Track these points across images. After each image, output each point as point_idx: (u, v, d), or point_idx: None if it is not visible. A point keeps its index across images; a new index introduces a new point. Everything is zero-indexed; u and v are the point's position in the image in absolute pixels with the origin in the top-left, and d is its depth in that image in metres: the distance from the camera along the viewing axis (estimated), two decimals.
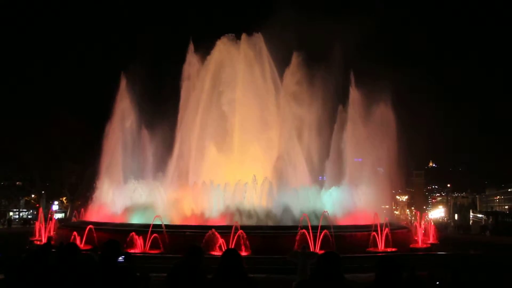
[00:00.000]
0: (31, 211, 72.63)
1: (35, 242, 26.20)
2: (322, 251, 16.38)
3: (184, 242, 19.55)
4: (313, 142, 35.28)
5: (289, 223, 25.39)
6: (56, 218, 38.50)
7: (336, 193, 31.82)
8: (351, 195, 31.46)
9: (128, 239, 21.28)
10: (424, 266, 12.57)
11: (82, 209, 33.99)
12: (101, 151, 34.62)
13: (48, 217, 29.29)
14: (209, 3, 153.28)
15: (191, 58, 36.73)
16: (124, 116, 35.51)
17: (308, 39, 36.40)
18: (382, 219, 24.51)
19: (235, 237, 20.98)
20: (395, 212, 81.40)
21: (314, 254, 15.20)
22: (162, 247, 21.43)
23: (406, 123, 38.54)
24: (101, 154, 34.59)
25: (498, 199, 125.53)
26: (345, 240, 22.42)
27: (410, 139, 40.52)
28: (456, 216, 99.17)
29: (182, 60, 36.64)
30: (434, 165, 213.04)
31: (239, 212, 27.00)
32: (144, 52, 58.63)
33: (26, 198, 71.04)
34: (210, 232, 21.09)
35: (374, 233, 23.30)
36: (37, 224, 29.49)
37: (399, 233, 26.09)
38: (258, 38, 35.76)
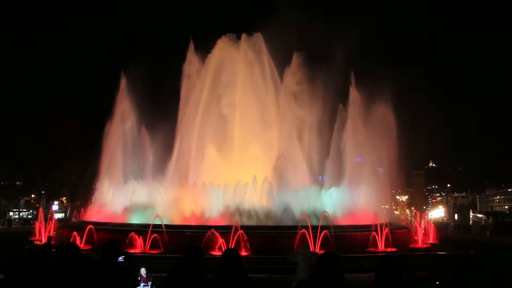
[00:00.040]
0: (31, 211, 72.64)
1: (35, 242, 26.19)
2: (322, 251, 16.37)
3: (184, 242, 19.51)
4: (313, 142, 35.27)
5: (289, 223, 25.38)
6: (56, 218, 38.51)
7: (336, 193, 31.83)
8: (351, 195, 31.47)
9: (128, 239, 21.28)
10: (424, 266, 12.57)
11: (82, 209, 33.98)
12: (101, 151, 34.63)
13: (48, 217, 29.30)
14: (209, 3, 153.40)
15: (192, 57, 36.73)
16: (124, 116, 35.51)
17: (308, 39, 36.48)
18: (382, 219, 24.51)
19: (235, 237, 20.97)
20: (395, 212, 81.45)
21: (314, 254, 15.20)
22: (162, 247, 21.42)
23: (406, 123, 38.58)
24: (101, 154, 34.61)
25: (498, 199, 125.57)
26: (345, 240, 22.41)
27: (410, 139, 40.58)
28: (456, 216, 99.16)
29: (182, 60, 36.71)
30: (434, 165, 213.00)
31: (239, 212, 26.99)
32: (144, 52, 58.73)
33: (26, 198, 71.05)
34: (210, 232, 21.09)
35: (374, 233, 23.30)
36: (37, 224, 29.50)
37: (399, 233, 26.09)
38: (258, 38, 35.76)
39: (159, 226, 22.53)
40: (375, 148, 34.46)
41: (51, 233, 27.99)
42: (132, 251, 19.84)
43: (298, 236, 21.28)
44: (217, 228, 21.95)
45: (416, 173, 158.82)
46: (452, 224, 74.43)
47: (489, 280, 13.82)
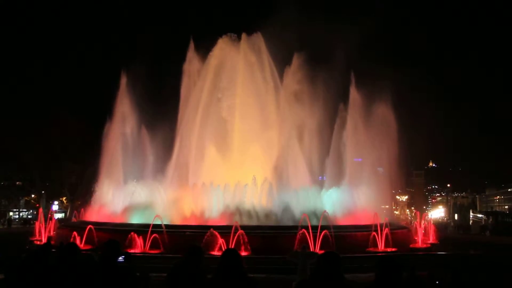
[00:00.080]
0: (31, 211, 72.68)
1: (35, 242, 26.18)
2: (322, 251, 16.37)
3: (184, 242, 19.51)
4: (313, 142, 35.26)
5: (289, 223, 25.38)
6: (56, 218, 38.50)
7: (336, 193, 31.82)
8: (351, 196, 31.47)
9: (128, 239, 21.27)
10: (424, 266, 12.56)
11: (82, 209, 33.99)
12: (101, 151, 34.64)
13: (48, 217, 29.30)
14: (209, 3, 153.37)
15: (192, 57, 36.74)
16: (124, 116, 35.52)
17: (308, 39, 36.48)
18: (382, 219, 24.51)
19: (235, 237, 20.97)
20: (395, 212, 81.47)
21: (314, 254, 15.21)
22: (162, 247, 21.42)
23: (406, 123, 38.60)
24: (101, 154, 34.62)
25: (498, 199, 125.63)
26: (345, 240, 22.40)
27: (410, 139, 40.57)
28: (456, 216, 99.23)
29: (182, 59, 36.71)
30: (434, 165, 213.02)
31: (239, 212, 26.99)
32: (144, 52, 58.70)
33: (26, 198, 71.09)
34: (210, 232, 21.09)
35: (374, 233, 23.30)
36: (37, 224, 29.48)
37: (399, 233, 26.09)
38: (258, 38, 35.75)
39: (159, 226, 22.53)
40: (375, 148, 34.48)
41: (51, 233, 27.98)
42: (132, 251, 19.85)
43: (298, 236, 21.29)
44: (217, 228, 21.95)
45: (416, 173, 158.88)
46: (452, 224, 74.44)
47: (489, 280, 13.82)
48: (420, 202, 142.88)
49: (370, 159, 34.85)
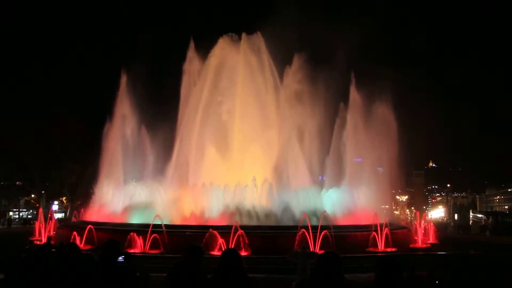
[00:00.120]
0: (31, 211, 72.71)
1: (35, 242, 26.18)
2: (322, 251, 16.37)
3: (184, 242, 19.51)
4: (313, 142, 35.25)
5: (289, 223, 25.38)
6: (56, 218, 38.50)
7: (336, 194, 31.81)
8: (351, 196, 31.47)
9: (128, 239, 21.27)
10: (424, 266, 12.56)
11: (82, 209, 33.99)
12: (101, 151, 34.65)
13: (48, 217, 29.28)
14: (209, 3, 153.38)
15: (192, 57, 36.74)
16: (124, 116, 35.51)
17: (308, 39, 36.46)
18: (382, 219, 24.51)
19: (235, 237, 20.97)
20: (395, 212, 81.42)
21: (314, 254, 15.21)
22: (162, 247, 21.41)
23: (406, 123, 38.59)
24: (101, 154, 34.62)
25: (498, 199, 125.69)
26: (345, 240, 22.39)
27: (410, 139, 40.56)
28: (456, 216, 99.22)
29: (182, 59, 36.69)
30: (434, 165, 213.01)
31: (239, 212, 26.98)
32: (144, 52, 58.70)
33: (26, 198, 71.11)
34: (210, 232, 21.09)
35: (374, 233, 23.30)
36: (37, 224, 29.48)
37: (399, 233, 26.09)
38: (258, 38, 35.76)
39: (159, 226, 22.53)
40: (375, 148, 34.48)
41: (51, 233, 27.96)
42: (132, 251, 19.86)
43: (298, 236, 21.28)
44: (217, 228, 21.96)
45: (416, 173, 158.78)
46: (452, 224, 74.44)
47: (489, 280, 13.82)
48: (420, 202, 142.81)
49: (370, 159, 34.84)
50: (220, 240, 20.64)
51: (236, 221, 23.03)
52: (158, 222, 22.71)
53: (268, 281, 14.40)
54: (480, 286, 12.24)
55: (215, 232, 21.08)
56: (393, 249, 22.98)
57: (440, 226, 48.83)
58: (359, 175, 33.65)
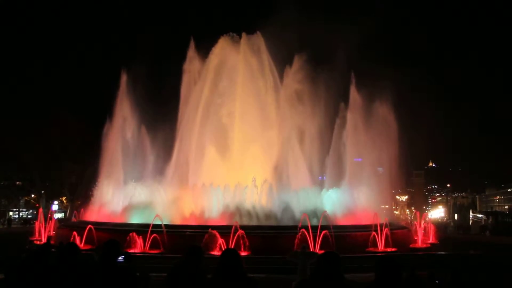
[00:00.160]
0: (31, 211, 72.71)
1: (35, 242, 26.18)
2: (322, 251, 16.37)
3: (184, 242, 19.52)
4: (313, 142, 35.27)
5: (289, 223, 25.37)
6: (56, 218, 38.52)
7: (336, 194, 31.80)
8: (351, 196, 31.47)
9: (128, 239, 21.26)
10: (424, 266, 12.57)
11: (82, 209, 33.98)
12: (101, 151, 34.64)
13: (48, 217, 29.28)
14: (209, 3, 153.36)
15: (192, 56, 36.73)
16: (124, 116, 35.51)
17: (308, 39, 36.46)
18: (382, 219, 24.51)
19: (235, 237, 20.97)
20: (395, 212, 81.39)
21: (314, 254, 15.21)
22: (162, 247, 21.41)
23: (406, 123, 38.60)
24: (101, 154, 34.62)
25: (498, 199, 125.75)
26: (345, 240, 22.39)
27: (410, 139, 40.57)
28: (456, 216, 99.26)
29: (182, 59, 36.69)
30: (434, 165, 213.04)
31: (239, 212, 26.98)
32: (144, 52, 58.72)
33: (26, 198, 71.11)
34: (210, 232, 21.09)
35: (374, 233, 23.29)
36: (37, 224, 29.48)
37: (399, 233, 26.08)
38: (258, 38, 35.75)
39: (159, 226, 22.52)
40: (375, 148, 34.48)
41: (51, 233, 27.97)
42: (132, 251, 19.86)
43: (298, 236, 21.28)
44: (217, 228, 21.95)
45: (416, 173, 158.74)
46: (452, 224, 74.43)
47: (489, 280, 13.82)
48: (420, 202, 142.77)
49: (370, 159, 34.84)
50: (220, 240, 20.64)
51: (236, 221, 23.05)
52: (158, 222, 22.70)
53: (268, 281, 14.38)
54: (480, 286, 12.25)
55: (215, 232, 21.07)
56: (393, 249, 22.97)
57: (440, 226, 48.81)
58: (359, 175, 33.64)
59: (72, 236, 22.77)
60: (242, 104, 34.01)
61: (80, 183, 53.04)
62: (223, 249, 16.67)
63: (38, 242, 25.40)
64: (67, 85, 76.29)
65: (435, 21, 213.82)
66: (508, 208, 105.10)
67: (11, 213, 70.23)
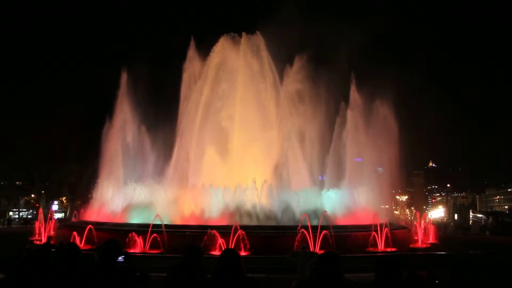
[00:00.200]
0: (31, 210, 72.74)
1: (35, 242, 26.17)
2: (322, 251, 16.36)
3: (184, 242, 19.52)
4: (313, 142, 35.28)
5: (289, 223, 25.37)
6: (56, 218, 38.51)
7: (336, 195, 31.79)
8: (351, 196, 31.47)
9: (128, 239, 21.26)
10: (424, 266, 12.56)
11: (82, 209, 33.98)
12: (101, 151, 34.65)
13: (48, 217, 29.28)
14: (209, 3, 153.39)
15: (192, 56, 36.73)
16: (124, 116, 35.52)
17: (309, 39, 36.48)
18: (382, 219, 24.51)
19: (235, 237, 20.97)
20: (395, 212, 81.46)
21: (313, 254, 15.21)
22: (162, 247, 21.41)
23: (406, 123, 38.64)
24: (101, 154, 34.62)
25: (498, 199, 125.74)
26: (345, 240, 22.40)
27: (410, 139, 40.61)
28: (456, 216, 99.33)
29: (182, 59, 36.71)
30: (434, 165, 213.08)
31: (239, 212, 26.97)
32: (144, 52, 58.77)
33: (26, 198, 71.14)
34: (209, 232, 21.09)
35: (374, 233, 23.28)
36: (37, 224, 29.48)
37: (399, 233, 26.09)
38: (258, 38, 35.77)
39: (159, 226, 22.51)
40: (375, 148, 34.49)
41: (51, 233, 27.95)
42: (132, 251, 19.87)
43: (298, 236, 21.28)
44: (217, 228, 21.95)
45: (416, 173, 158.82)
46: (452, 224, 74.43)
47: (489, 280, 13.82)
48: (420, 202, 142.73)
49: (370, 159, 34.86)
50: (220, 240, 20.64)
51: (236, 221, 23.04)
52: (158, 222, 22.70)
53: (268, 281, 14.39)
54: (480, 286, 12.24)
55: (215, 232, 21.08)
56: (393, 249, 22.97)
57: (440, 226, 48.82)
58: (359, 175, 33.65)
59: (72, 236, 22.77)
60: (242, 104, 33.99)
61: (80, 183, 53.05)
62: (223, 249, 16.70)
63: (38, 242, 25.39)
64: (67, 85, 76.23)
65: (435, 21, 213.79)
66: (508, 208, 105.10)
67: (11, 213, 70.25)
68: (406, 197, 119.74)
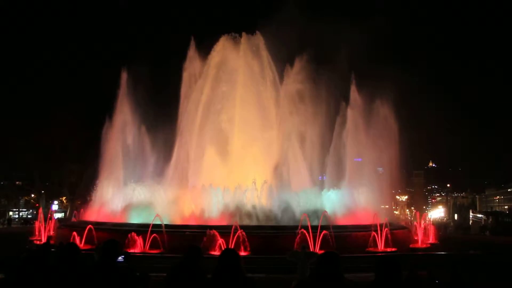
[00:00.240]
0: (30, 210, 72.75)
1: (35, 241, 26.17)
2: (322, 251, 16.36)
3: (184, 242, 19.52)
4: (313, 142, 35.28)
5: (289, 223, 25.37)
6: (55, 217, 38.51)
7: (336, 195, 31.79)
8: (351, 196, 31.47)
9: (127, 239, 21.25)
10: (424, 266, 12.56)
11: (82, 209, 33.97)
12: (101, 151, 34.65)
13: (48, 217, 29.28)
14: (209, 3, 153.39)
15: (193, 56, 36.74)
16: (124, 116, 35.52)
17: (309, 39, 36.48)
18: (382, 219, 24.51)
19: (235, 237, 20.97)
20: (395, 212, 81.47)
21: (313, 254, 15.21)
22: (161, 247, 21.41)
23: (407, 123, 38.64)
24: (101, 154, 34.62)
25: (498, 199, 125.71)
26: (345, 240, 22.41)
27: (411, 139, 40.63)
28: (456, 216, 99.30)
29: (182, 59, 36.73)
30: (434, 165, 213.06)
31: (239, 212, 26.97)
32: (144, 52, 58.79)
33: (26, 198, 71.14)
34: (209, 232, 21.09)
35: (374, 233, 23.29)
36: (37, 223, 29.48)
37: (399, 233, 26.09)
38: (259, 38, 35.77)
39: (159, 226, 22.52)
40: (375, 148, 34.50)
41: (51, 233, 27.94)
42: (131, 251, 19.87)
43: (298, 236, 21.28)
44: (217, 228, 21.96)
45: (416, 173, 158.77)
46: (452, 224, 74.42)
47: (489, 280, 13.82)
48: (420, 202, 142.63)
49: (370, 159, 34.87)
50: (220, 240, 20.64)
51: (236, 221, 23.04)
52: (158, 222, 22.70)
53: (267, 281, 14.40)
54: (480, 286, 12.24)
55: (215, 232, 21.08)
56: (393, 249, 22.98)
57: (440, 226, 48.82)
58: (359, 175, 33.66)
59: (72, 236, 22.76)
60: (243, 104, 34.00)
61: (80, 183, 53.03)
62: (223, 249, 16.68)
63: (38, 242, 25.39)
64: (67, 85, 76.18)
65: (435, 21, 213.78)
66: (508, 208, 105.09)
67: (11, 213, 70.26)
68: (406, 197, 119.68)
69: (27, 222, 54.27)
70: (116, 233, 21.88)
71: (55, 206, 64.51)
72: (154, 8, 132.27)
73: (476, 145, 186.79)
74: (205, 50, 36.13)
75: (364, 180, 33.00)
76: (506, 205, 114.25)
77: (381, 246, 23.08)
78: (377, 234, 23.25)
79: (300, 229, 21.81)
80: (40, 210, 34.33)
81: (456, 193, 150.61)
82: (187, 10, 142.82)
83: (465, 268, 11.20)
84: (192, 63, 36.67)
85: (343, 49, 35.87)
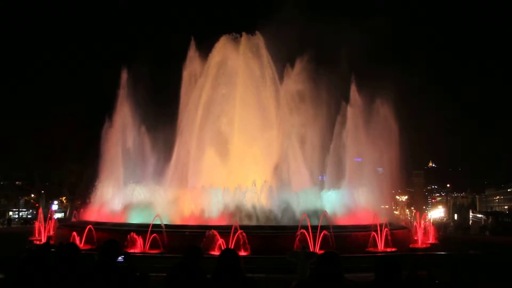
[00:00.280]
0: (30, 210, 72.76)
1: (35, 241, 26.16)
2: (322, 251, 16.36)
3: (184, 242, 19.53)
4: (313, 142, 35.28)
5: (289, 223, 25.36)
6: (55, 217, 38.50)
7: (336, 195, 31.80)
8: (351, 196, 31.47)
9: (127, 239, 21.25)
10: (424, 266, 12.56)
11: (82, 209, 33.96)
12: (101, 151, 34.65)
13: (47, 217, 29.28)
14: (209, 3, 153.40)
15: (193, 56, 36.73)
16: (124, 116, 35.51)
17: (309, 40, 36.48)
18: (381, 219, 24.51)
19: (235, 237, 20.97)
20: (394, 212, 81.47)
21: (313, 254, 15.21)
22: (161, 247, 21.41)
23: (407, 123, 38.64)
24: (101, 154, 34.62)
25: (498, 199, 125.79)
26: (345, 240, 22.40)
27: (411, 139, 40.63)
28: (455, 216, 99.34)
29: (182, 59, 36.71)
30: (434, 165, 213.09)
31: (239, 212, 26.96)
32: (144, 52, 58.78)
33: (26, 198, 71.14)
34: (209, 232, 21.09)
35: (374, 233, 23.29)
36: (37, 223, 29.48)
37: (399, 233, 26.09)
38: (259, 38, 35.76)
39: (159, 226, 22.52)
40: (375, 148, 34.51)
41: (51, 233, 27.94)
42: (131, 251, 19.86)
43: (298, 236, 21.27)
44: (216, 228, 21.94)
45: (416, 173, 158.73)
46: (451, 224, 74.44)
47: (489, 280, 13.82)
48: (420, 202, 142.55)
49: (370, 159, 34.88)
50: (220, 240, 20.63)
51: (236, 221, 23.04)
52: (158, 222, 22.71)
53: (267, 281, 14.38)
54: (480, 286, 12.24)
55: (215, 232, 21.07)
56: (393, 249, 22.97)
57: (440, 226, 48.82)
58: (359, 175, 33.66)
59: (72, 236, 22.75)
60: (242, 104, 33.98)
61: (80, 183, 53.05)
62: (223, 249, 16.67)
63: (38, 242, 25.37)
64: (67, 85, 76.13)
65: (435, 21, 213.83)
66: (508, 208, 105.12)
67: (11, 213, 70.27)
68: (406, 197, 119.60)
69: (27, 222, 54.27)
70: (116, 233, 21.88)
71: (55, 206, 64.50)
72: (154, 8, 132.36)
73: (476, 145, 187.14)
74: (205, 50, 36.15)
75: (364, 180, 33.01)
76: (506, 205, 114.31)
77: (381, 246, 23.08)
78: (377, 234, 23.24)
79: (300, 229, 21.81)
80: (40, 210, 34.35)
81: (456, 193, 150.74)
82: (187, 10, 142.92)
83: (465, 268, 11.20)
84: (192, 63, 36.66)
85: (343, 49, 35.92)
